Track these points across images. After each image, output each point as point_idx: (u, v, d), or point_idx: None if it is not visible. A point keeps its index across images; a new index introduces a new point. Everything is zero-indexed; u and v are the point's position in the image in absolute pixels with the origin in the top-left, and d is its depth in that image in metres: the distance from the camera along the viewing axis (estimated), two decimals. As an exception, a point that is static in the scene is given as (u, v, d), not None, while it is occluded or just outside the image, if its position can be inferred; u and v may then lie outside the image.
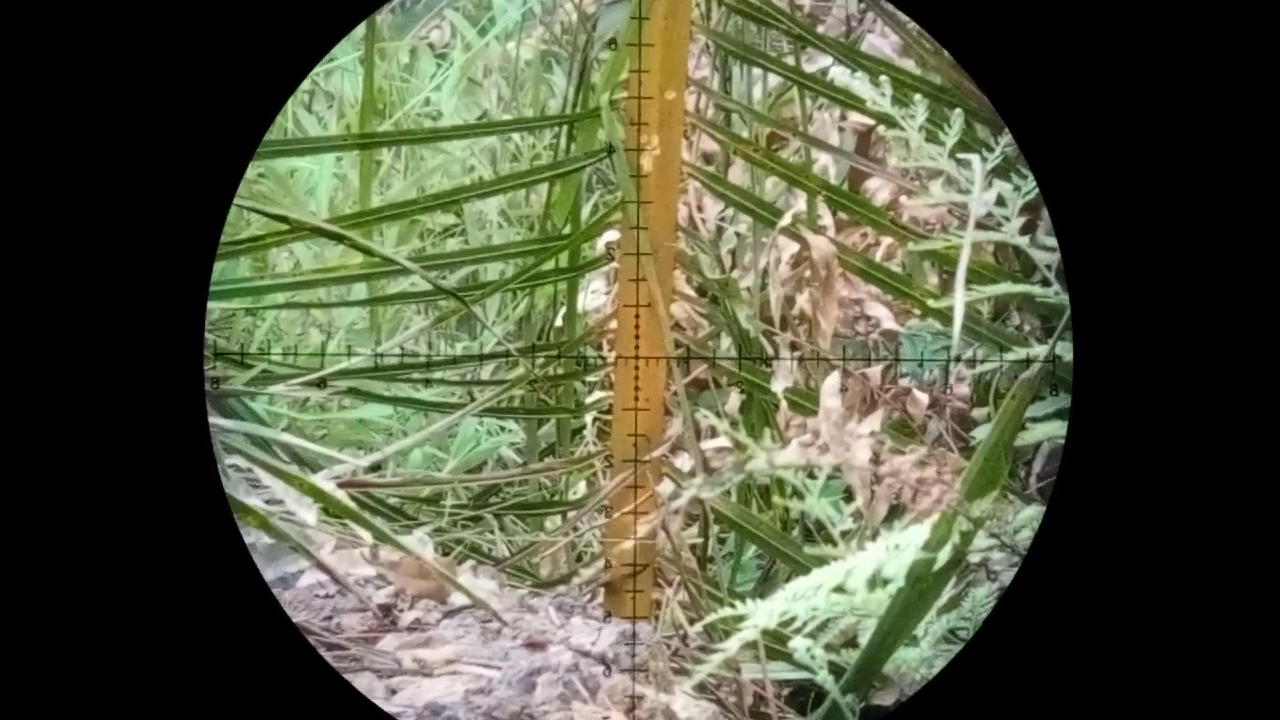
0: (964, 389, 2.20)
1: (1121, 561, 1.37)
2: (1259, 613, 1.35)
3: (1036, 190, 1.62)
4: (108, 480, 1.35)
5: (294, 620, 1.69)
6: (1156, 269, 1.40)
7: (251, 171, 3.08)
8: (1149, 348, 1.39)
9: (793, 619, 1.60)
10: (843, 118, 2.60)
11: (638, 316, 2.00)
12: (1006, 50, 1.53)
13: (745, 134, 2.23)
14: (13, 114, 1.36)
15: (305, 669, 1.43)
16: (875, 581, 1.59)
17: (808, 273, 2.08)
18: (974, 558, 1.67)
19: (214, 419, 1.73)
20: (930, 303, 1.99)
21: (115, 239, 1.37)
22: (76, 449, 1.34)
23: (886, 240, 2.40)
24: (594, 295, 2.21)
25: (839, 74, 1.94)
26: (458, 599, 1.75)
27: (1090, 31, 1.47)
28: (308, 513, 1.64)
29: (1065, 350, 1.60)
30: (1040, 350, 1.73)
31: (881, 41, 2.60)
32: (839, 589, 1.59)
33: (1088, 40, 1.47)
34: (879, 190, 2.38)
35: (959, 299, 1.65)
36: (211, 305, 2.33)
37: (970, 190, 1.68)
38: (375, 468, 2.15)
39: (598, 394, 2.11)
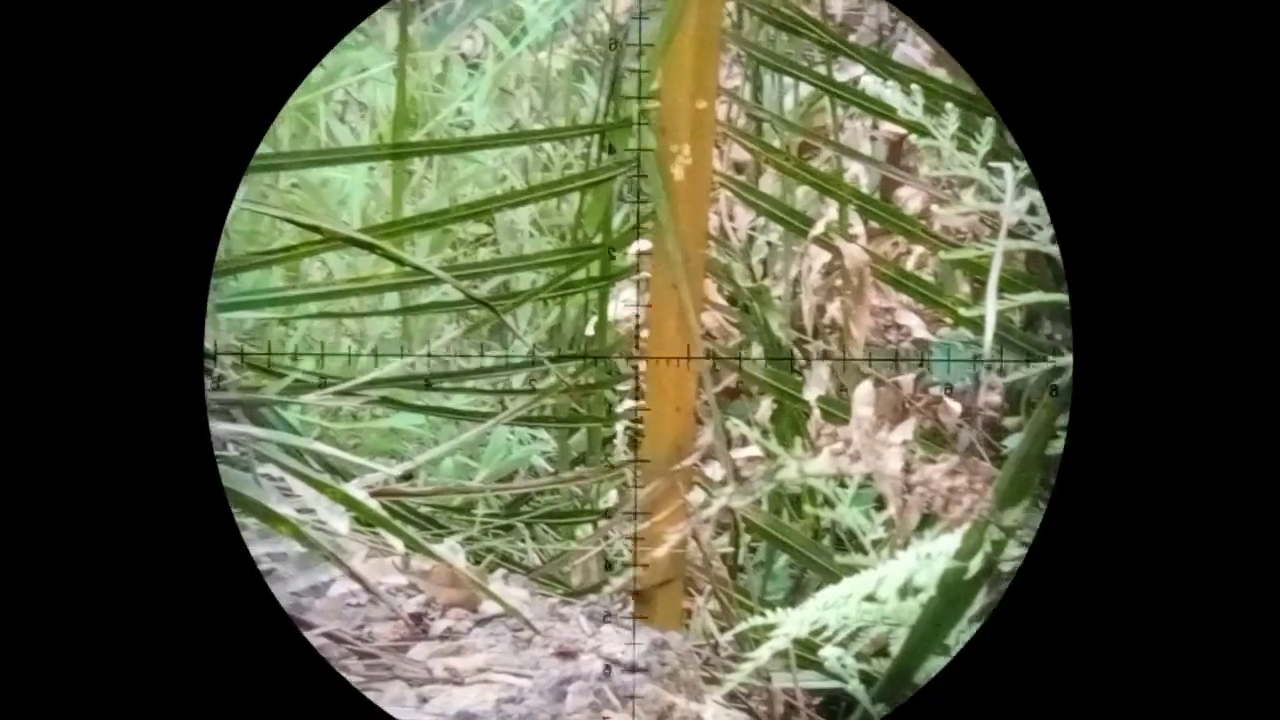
0: (996, 398, 2.20)
1: (1121, 561, 1.38)
2: (1261, 616, 1.35)
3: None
4: (108, 483, 1.35)
5: (325, 629, 1.69)
6: (1157, 270, 1.41)
7: (284, 181, 3.09)
8: (1149, 349, 1.40)
9: (824, 628, 1.60)
10: (874, 127, 2.60)
11: (638, 319, 2.01)
12: (1007, 53, 1.54)
13: (776, 143, 2.23)
14: (12, 114, 1.37)
15: (304, 668, 1.44)
16: (907, 590, 1.59)
17: (839, 281, 2.08)
18: (1005, 567, 1.66)
19: (246, 427, 1.74)
20: (962, 311, 1.99)
21: (115, 239, 1.38)
22: (77, 451, 1.35)
23: (918, 249, 2.39)
24: (625, 305, 2.21)
25: (870, 83, 1.94)
26: (489, 607, 1.76)
27: (1091, 34, 1.47)
28: (340, 521, 1.65)
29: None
30: (1072, 359, 1.72)
31: (913, 50, 2.60)
32: (870, 598, 1.59)
33: (1088, 43, 1.47)
34: (911, 199, 2.38)
35: (991, 308, 1.65)
36: (244, 315, 2.34)
37: (1002, 199, 1.68)
38: (407, 476, 2.15)
39: (628, 403, 2.11)
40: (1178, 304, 1.40)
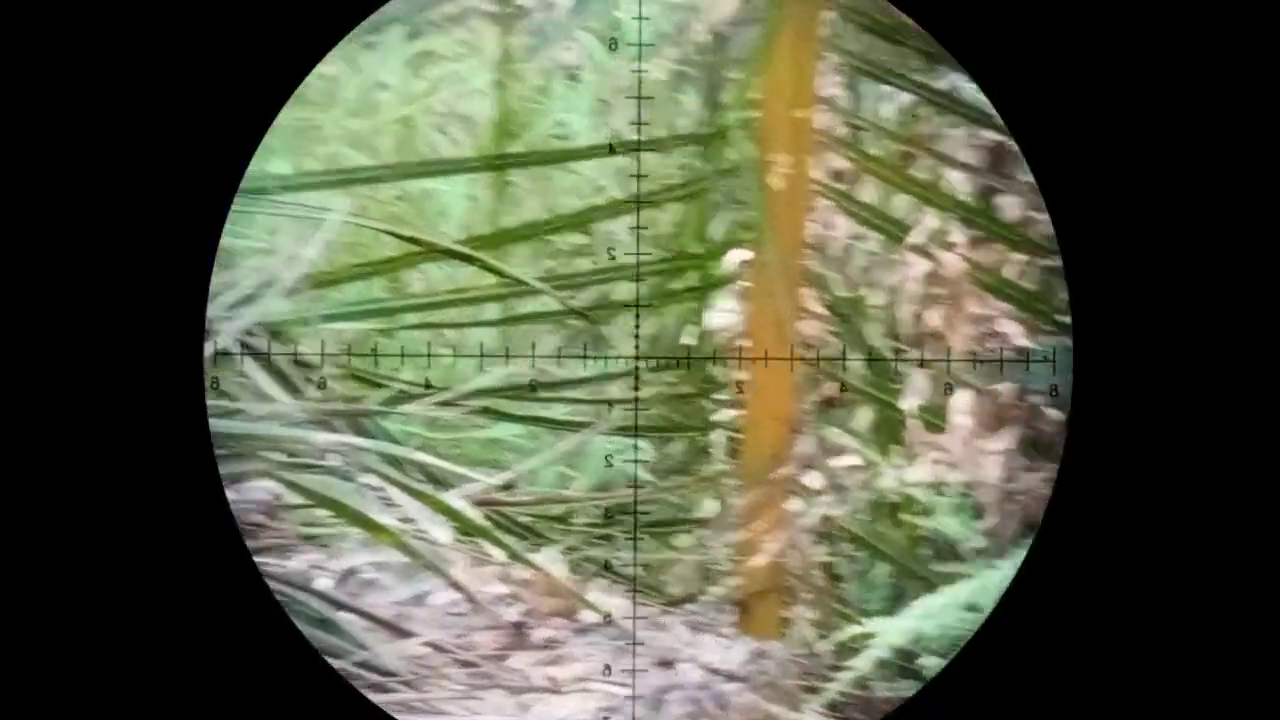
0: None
1: (1121, 562, 1.39)
2: (1261, 616, 1.36)
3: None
4: (108, 486, 1.37)
5: (427, 638, 1.70)
6: (1157, 270, 1.42)
7: (387, 193, 3.11)
8: (1149, 350, 1.41)
9: (923, 636, 1.59)
10: (973, 134, 2.58)
11: (637, 316, 2.02)
12: (1007, 54, 1.54)
13: (875, 151, 2.22)
14: (15, 115, 1.39)
15: (300, 665, 1.46)
16: (1007, 599, 1.58)
17: (938, 290, 2.07)
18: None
19: (348, 437, 1.75)
20: (1061, 318, 1.98)
21: (116, 241, 1.40)
22: (78, 455, 1.37)
23: (1018, 256, 2.38)
24: (723, 313, 2.20)
25: (970, 90, 1.93)
26: (588, 616, 1.76)
27: (1093, 36, 1.48)
28: (441, 531, 1.66)
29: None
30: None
31: (1013, 57, 2.58)
32: (970, 607, 1.58)
33: (1090, 45, 1.49)
34: (1010, 206, 2.36)
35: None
36: (345, 326, 2.36)
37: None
38: (507, 486, 2.16)
39: (727, 411, 2.11)
40: (1178, 305, 1.41)
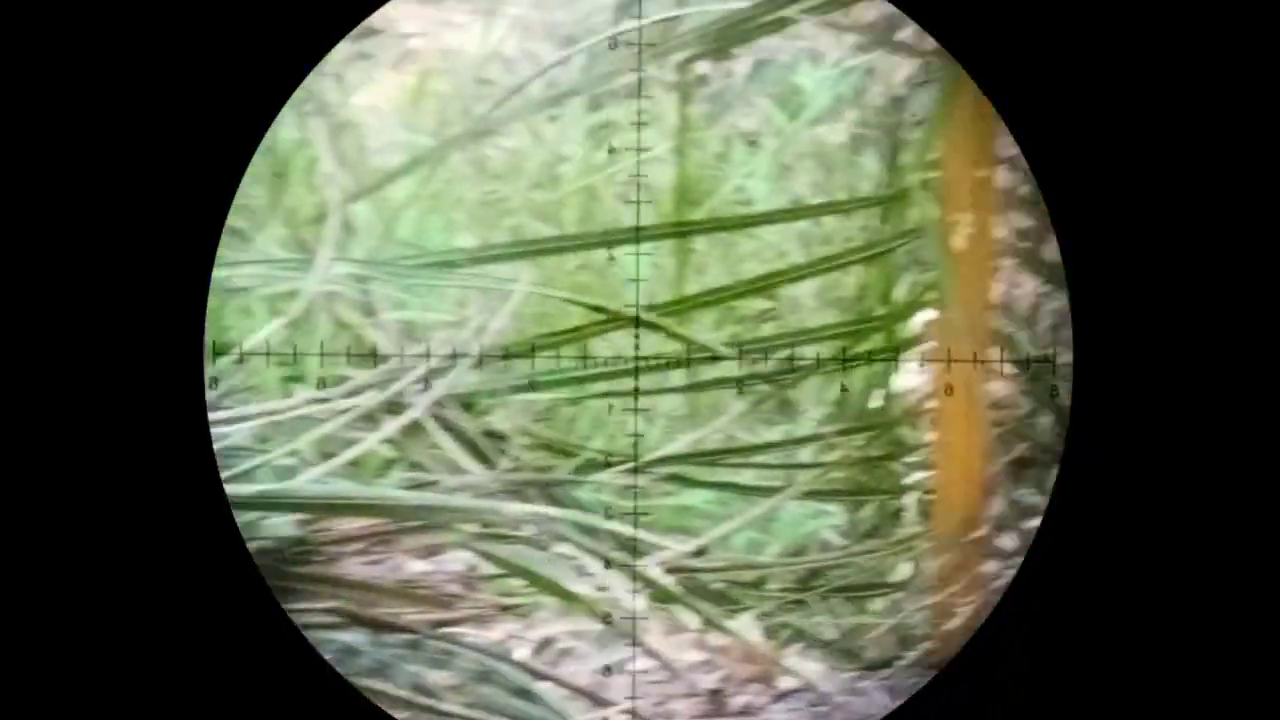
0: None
1: (1121, 563, 1.40)
2: (1261, 616, 1.37)
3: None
4: (107, 488, 1.39)
5: (624, 706, 1.71)
6: (1157, 270, 1.43)
7: (571, 263, 3.15)
8: (1149, 349, 1.42)
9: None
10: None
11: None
12: (1007, 53, 1.55)
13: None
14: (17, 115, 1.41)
15: (301, 665, 1.48)
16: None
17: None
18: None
19: (542, 508, 1.77)
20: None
21: (115, 238, 1.42)
22: (78, 458, 1.39)
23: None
24: (910, 375, 2.20)
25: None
26: (786, 682, 1.76)
27: (1092, 34, 1.49)
28: (636, 599, 1.67)
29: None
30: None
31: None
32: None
33: (1090, 43, 1.49)
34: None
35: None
36: (534, 396, 2.39)
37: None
38: (699, 552, 2.16)
39: (918, 474, 2.10)
40: (1178, 305, 1.42)
